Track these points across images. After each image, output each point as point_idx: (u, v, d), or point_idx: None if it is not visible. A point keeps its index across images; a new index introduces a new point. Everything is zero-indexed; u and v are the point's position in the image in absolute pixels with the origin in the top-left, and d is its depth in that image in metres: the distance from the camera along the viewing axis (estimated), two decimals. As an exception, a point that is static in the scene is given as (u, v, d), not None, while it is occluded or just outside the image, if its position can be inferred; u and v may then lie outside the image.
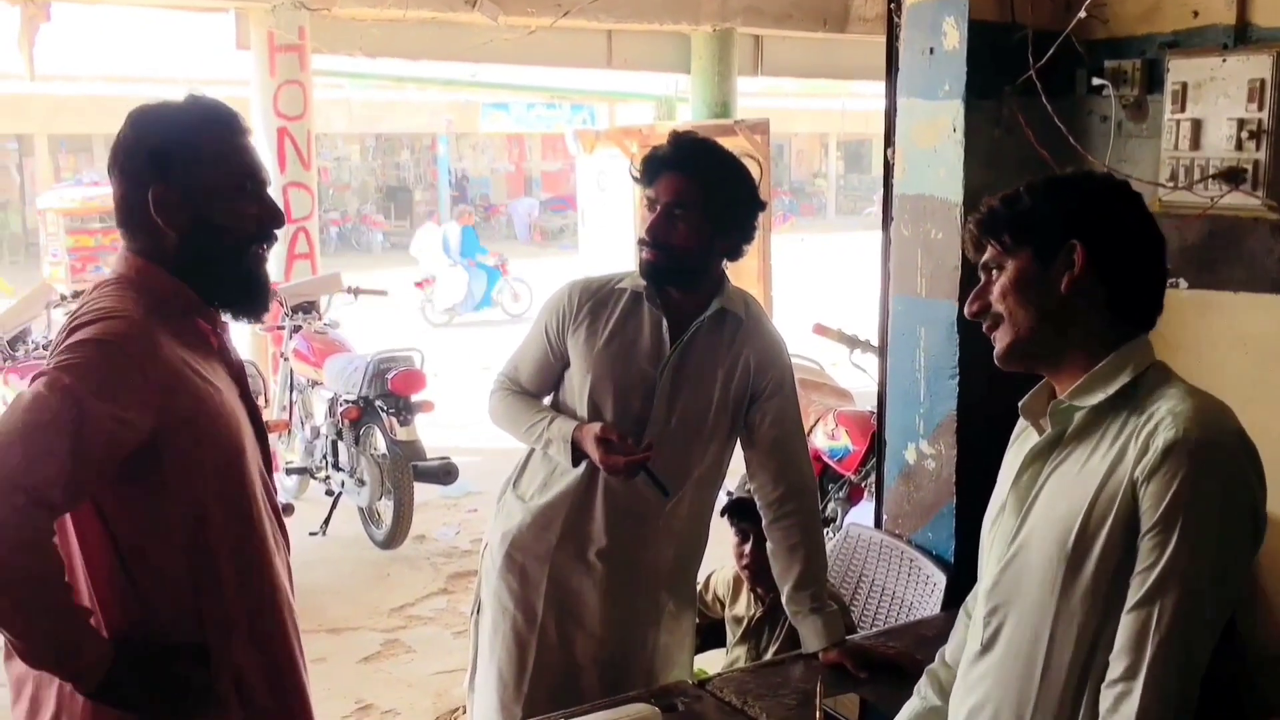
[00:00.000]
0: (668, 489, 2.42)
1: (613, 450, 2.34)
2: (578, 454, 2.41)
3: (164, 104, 1.82)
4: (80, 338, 1.66)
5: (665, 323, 2.43)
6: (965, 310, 1.68)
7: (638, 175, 2.44)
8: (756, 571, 2.88)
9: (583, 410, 2.46)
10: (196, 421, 1.76)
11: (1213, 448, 1.49)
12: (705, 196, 2.36)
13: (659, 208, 2.37)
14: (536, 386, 2.58)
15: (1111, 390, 1.57)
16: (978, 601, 1.75)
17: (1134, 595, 1.51)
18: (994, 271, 1.64)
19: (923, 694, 1.93)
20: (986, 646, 1.69)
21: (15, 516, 1.56)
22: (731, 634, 3.02)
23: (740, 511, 2.81)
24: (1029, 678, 1.62)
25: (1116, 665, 1.51)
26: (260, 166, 1.86)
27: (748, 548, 2.83)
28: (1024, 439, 1.74)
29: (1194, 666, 1.50)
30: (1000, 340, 1.64)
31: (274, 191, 1.92)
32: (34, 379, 1.64)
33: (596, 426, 2.38)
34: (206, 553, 1.78)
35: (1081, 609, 1.57)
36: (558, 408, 2.54)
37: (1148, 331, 1.63)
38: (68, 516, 1.69)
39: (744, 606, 2.98)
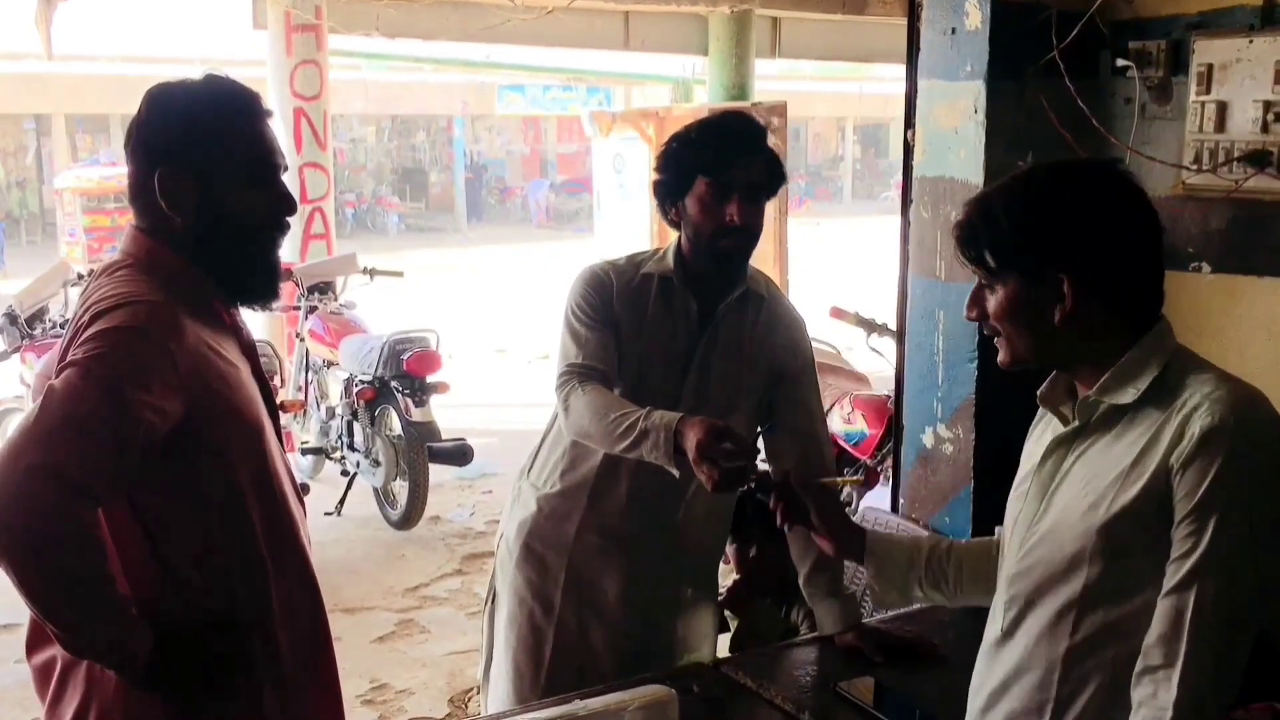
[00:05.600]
0: (754, 488, 2.13)
1: (714, 450, 2.01)
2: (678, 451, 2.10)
3: (181, 83, 1.79)
4: (105, 325, 1.65)
5: (695, 306, 2.39)
6: (964, 314, 1.64)
7: (707, 159, 2.28)
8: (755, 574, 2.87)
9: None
10: (224, 401, 1.76)
11: (1250, 434, 1.47)
12: (772, 176, 2.33)
13: (739, 193, 2.26)
14: (606, 361, 2.33)
15: (1143, 386, 1.53)
16: (997, 588, 1.74)
17: (1169, 582, 1.48)
18: (984, 287, 1.61)
19: (921, 543, 1.94)
20: (1008, 632, 1.67)
21: (61, 511, 1.56)
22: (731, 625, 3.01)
23: (754, 519, 2.70)
24: (1052, 662, 1.61)
25: (1153, 654, 1.48)
26: (275, 151, 1.83)
27: (752, 551, 2.83)
28: (1044, 425, 1.72)
29: (1233, 655, 1.47)
30: (1002, 352, 1.62)
31: (290, 172, 1.89)
32: (62, 369, 1.63)
33: (705, 425, 2.05)
34: (242, 528, 1.79)
35: (1107, 593, 1.55)
36: None
37: (1158, 314, 1.59)
38: None
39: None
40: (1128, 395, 1.55)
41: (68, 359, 1.64)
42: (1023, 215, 1.55)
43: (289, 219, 1.86)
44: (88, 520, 1.60)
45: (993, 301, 1.59)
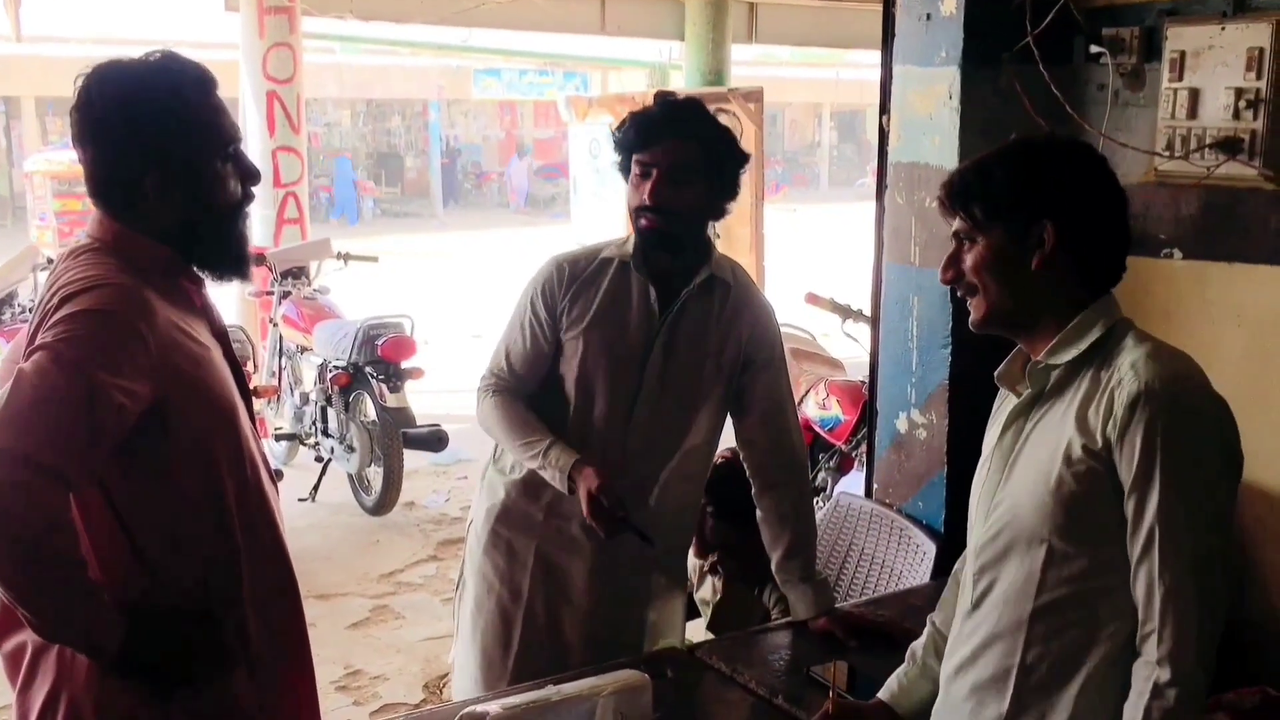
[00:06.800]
0: (653, 540, 2.33)
1: (599, 510, 2.26)
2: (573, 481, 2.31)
3: (131, 67, 1.76)
4: (74, 309, 1.63)
5: (654, 292, 2.38)
6: (940, 277, 1.71)
7: (630, 140, 2.34)
8: (714, 545, 2.87)
9: (572, 386, 2.40)
10: (196, 385, 1.75)
11: (1174, 394, 1.53)
12: (705, 158, 2.32)
13: (657, 172, 2.29)
14: (530, 375, 2.44)
15: (1084, 346, 1.61)
16: (967, 560, 1.76)
17: (1133, 555, 1.54)
18: (965, 242, 1.67)
19: (916, 656, 1.95)
20: (977, 604, 1.71)
21: (34, 495, 1.55)
22: (703, 615, 3.01)
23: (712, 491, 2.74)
24: (1017, 628, 1.65)
25: (1142, 626, 1.54)
26: (235, 126, 1.83)
27: (709, 524, 2.84)
28: (1003, 406, 1.77)
29: (1209, 606, 1.52)
30: (976, 309, 1.68)
31: (263, 155, 1.90)
32: (31, 353, 1.61)
33: (594, 479, 2.26)
34: (215, 512, 1.78)
35: (1067, 558, 1.59)
36: (553, 386, 2.45)
37: (1113, 288, 1.67)
38: None
39: (709, 591, 2.97)
40: (1068, 355, 1.62)
41: (36, 342, 1.63)
42: (1017, 171, 1.64)
43: (254, 190, 1.86)
44: (59, 504, 1.59)
45: (970, 257, 1.65)
